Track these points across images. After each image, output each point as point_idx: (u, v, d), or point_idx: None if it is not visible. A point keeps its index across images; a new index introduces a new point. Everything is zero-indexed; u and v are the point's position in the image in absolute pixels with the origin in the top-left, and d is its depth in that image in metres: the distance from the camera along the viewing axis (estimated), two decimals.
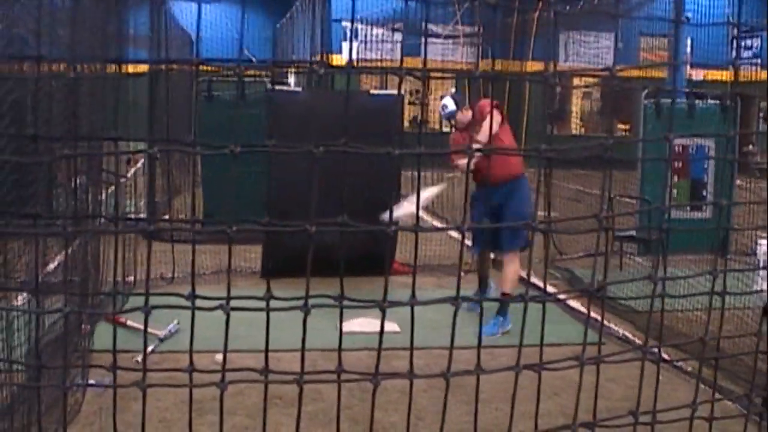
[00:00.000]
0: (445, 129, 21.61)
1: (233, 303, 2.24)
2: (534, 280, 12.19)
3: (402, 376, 2.31)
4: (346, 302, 2.25)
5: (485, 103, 9.86)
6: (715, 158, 14.01)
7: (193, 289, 2.23)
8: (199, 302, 2.25)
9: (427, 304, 2.38)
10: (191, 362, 2.27)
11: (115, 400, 2.31)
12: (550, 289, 11.62)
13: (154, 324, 8.42)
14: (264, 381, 2.24)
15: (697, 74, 27.20)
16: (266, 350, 2.27)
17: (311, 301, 2.22)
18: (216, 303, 2.22)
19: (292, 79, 24.27)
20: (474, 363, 2.37)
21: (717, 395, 3.28)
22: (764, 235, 11.83)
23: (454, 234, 14.42)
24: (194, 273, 2.40)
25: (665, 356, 7.93)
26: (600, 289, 10.30)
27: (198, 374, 2.36)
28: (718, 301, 2.65)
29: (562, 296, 10.72)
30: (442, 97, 10.59)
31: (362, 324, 7.89)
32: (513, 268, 9.69)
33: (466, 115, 10.03)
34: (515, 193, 9.72)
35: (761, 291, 9.08)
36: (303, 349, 2.29)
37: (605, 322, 9.88)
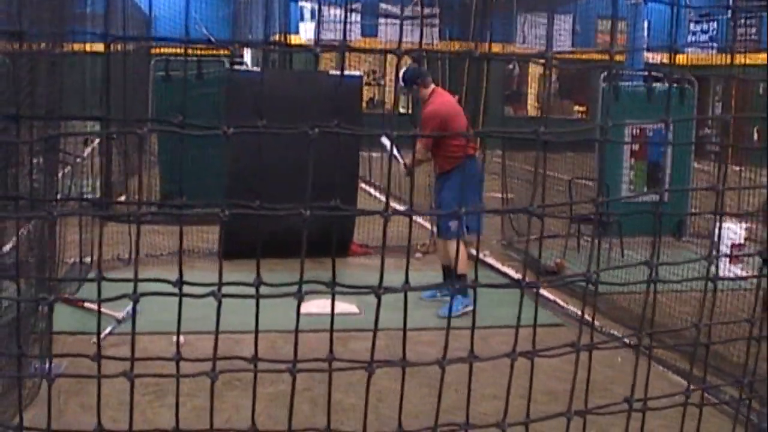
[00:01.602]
0: (402, 110, 21.58)
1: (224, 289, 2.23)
2: (490, 261, 12.31)
3: (360, 364, 2.30)
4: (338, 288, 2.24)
5: (430, 114, 9.93)
6: (684, 143, 14.11)
7: (181, 276, 2.21)
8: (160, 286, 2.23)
9: (420, 290, 2.37)
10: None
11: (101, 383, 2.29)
12: (509, 270, 11.69)
13: (112, 306, 8.37)
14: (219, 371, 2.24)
15: (655, 57, 27.31)
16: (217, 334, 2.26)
17: (305, 287, 2.21)
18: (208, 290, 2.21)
19: (248, 59, 24.12)
20: (434, 344, 2.37)
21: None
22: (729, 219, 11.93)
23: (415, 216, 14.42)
24: (181, 258, 2.38)
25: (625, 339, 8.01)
26: (554, 269, 10.24)
27: (157, 357, 2.34)
28: (675, 285, 2.66)
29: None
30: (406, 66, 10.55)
31: (320, 305, 7.91)
32: (452, 250, 9.85)
33: (428, 91, 10.05)
34: (443, 185, 9.90)
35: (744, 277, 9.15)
36: (255, 334, 2.28)
37: (562, 304, 9.96)
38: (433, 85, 10.20)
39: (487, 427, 2.39)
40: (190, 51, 17.63)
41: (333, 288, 2.25)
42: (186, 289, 2.30)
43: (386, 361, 2.28)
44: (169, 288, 2.28)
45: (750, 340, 2.85)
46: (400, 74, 10.11)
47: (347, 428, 2.36)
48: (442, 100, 10.05)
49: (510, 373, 2.36)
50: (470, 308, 9.48)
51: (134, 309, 2.21)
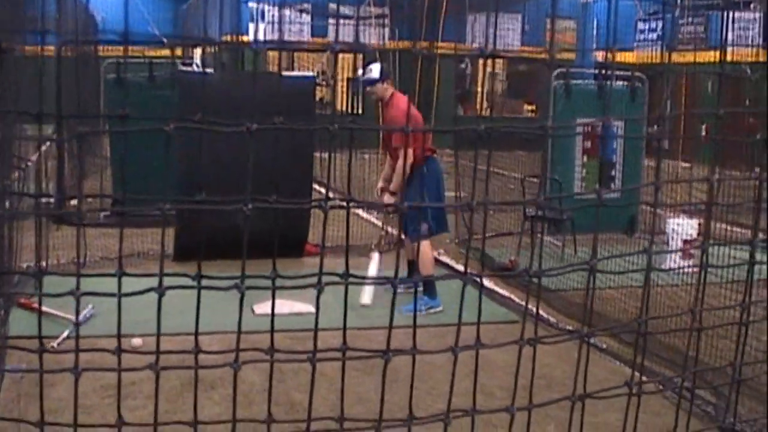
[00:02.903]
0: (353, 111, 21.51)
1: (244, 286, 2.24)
2: (445, 259, 12.36)
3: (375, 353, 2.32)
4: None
5: (398, 111, 9.92)
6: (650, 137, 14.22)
7: (162, 271, 2.22)
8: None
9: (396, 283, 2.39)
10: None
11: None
12: (462, 268, 11.73)
13: (68, 309, 8.31)
14: (193, 367, 2.25)
15: (603, 56, 27.53)
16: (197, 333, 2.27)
17: (322, 279, 2.23)
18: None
19: (197, 60, 24.03)
20: (393, 342, 2.40)
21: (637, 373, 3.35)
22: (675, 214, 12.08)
23: (363, 214, 14.47)
24: (162, 254, 2.38)
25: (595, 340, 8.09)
26: (509, 266, 10.33)
27: (116, 358, 2.35)
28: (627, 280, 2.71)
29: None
30: (367, 64, 10.39)
31: (277, 306, 7.88)
32: (426, 252, 9.83)
33: (388, 93, 9.98)
34: (410, 182, 9.82)
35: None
36: (217, 332, 2.28)
37: (518, 301, 10.03)
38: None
39: (435, 417, 2.42)
40: (141, 52, 17.57)
41: (347, 280, 2.27)
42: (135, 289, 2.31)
43: (400, 350, 2.31)
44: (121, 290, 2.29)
45: (697, 332, 2.90)
46: (369, 70, 10.03)
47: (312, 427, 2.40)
48: (404, 101, 10.03)
49: (453, 370, 2.39)
50: (436, 310, 9.49)
51: (77, 310, 2.22)
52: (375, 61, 10.68)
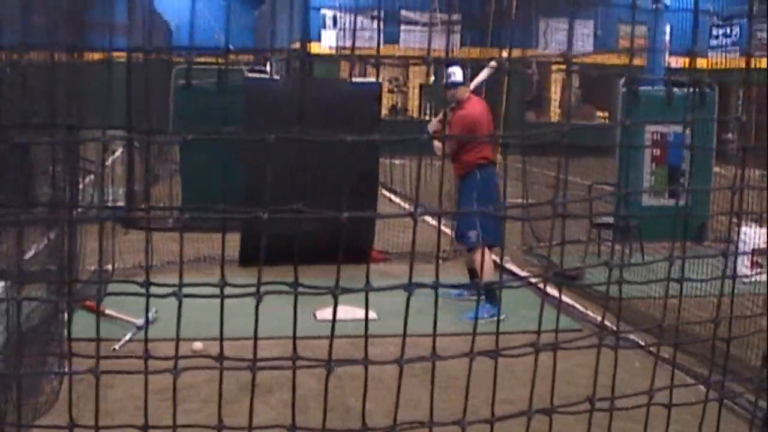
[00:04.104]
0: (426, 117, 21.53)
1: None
2: (511, 267, 12.30)
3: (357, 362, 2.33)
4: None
5: (463, 115, 9.94)
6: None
7: (222, 276, 2.24)
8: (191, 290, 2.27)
9: (448, 287, 2.39)
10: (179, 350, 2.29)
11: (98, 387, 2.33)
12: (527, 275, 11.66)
13: (132, 313, 8.42)
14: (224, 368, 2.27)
15: (677, 62, 27.22)
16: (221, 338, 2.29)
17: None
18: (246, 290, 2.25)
19: (269, 68, 24.21)
20: (450, 349, 2.40)
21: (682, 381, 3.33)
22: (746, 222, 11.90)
23: (430, 220, 14.41)
24: (223, 261, 2.41)
25: (640, 342, 8.01)
26: (574, 275, 10.19)
27: (174, 363, 2.38)
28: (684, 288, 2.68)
29: (533, 280, 10.77)
30: (447, 65, 10.44)
31: (338, 312, 7.90)
32: (479, 260, 9.74)
33: (466, 96, 10.02)
34: (462, 189, 9.85)
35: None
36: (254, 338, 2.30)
37: (582, 309, 9.95)
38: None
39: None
40: (211, 60, 17.73)
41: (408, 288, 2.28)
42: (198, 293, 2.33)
43: (419, 358, 2.32)
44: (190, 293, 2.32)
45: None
46: (452, 73, 10.02)
47: None
48: (477, 106, 10.08)
49: (490, 380, 2.38)
50: (497, 317, 9.42)
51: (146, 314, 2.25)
52: (455, 63, 10.70)
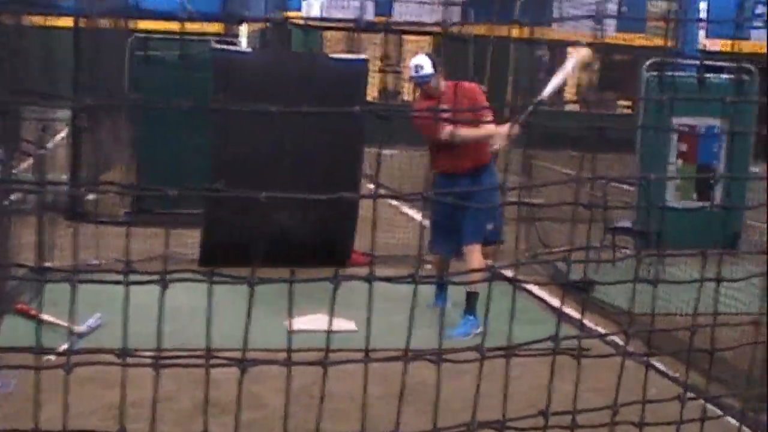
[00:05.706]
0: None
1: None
2: (509, 274, 12.24)
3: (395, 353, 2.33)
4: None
5: (474, 89, 9.83)
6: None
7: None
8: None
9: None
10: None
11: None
12: (530, 287, 11.68)
13: (71, 317, 8.34)
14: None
15: (713, 44, 27.11)
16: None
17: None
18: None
19: (243, 40, 24.17)
20: (433, 367, 2.41)
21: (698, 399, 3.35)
22: None
23: (418, 217, 14.39)
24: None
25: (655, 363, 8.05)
26: (586, 285, 10.20)
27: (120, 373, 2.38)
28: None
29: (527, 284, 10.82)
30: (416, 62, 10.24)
31: (311, 321, 7.88)
32: (477, 261, 9.73)
33: (443, 85, 9.80)
34: (484, 181, 9.72)
35: None
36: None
37: (592, 325, 9.96)
38: None
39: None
40: (174, 28, 17.66)
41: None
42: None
43: (422, 355, 2.32)
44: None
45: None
46: (420, 67, 9.78)
47: None
48: (463, 83, 10.04)
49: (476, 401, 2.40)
50: (476, 332, 9.44)
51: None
52: (421, 54, 10.44)
